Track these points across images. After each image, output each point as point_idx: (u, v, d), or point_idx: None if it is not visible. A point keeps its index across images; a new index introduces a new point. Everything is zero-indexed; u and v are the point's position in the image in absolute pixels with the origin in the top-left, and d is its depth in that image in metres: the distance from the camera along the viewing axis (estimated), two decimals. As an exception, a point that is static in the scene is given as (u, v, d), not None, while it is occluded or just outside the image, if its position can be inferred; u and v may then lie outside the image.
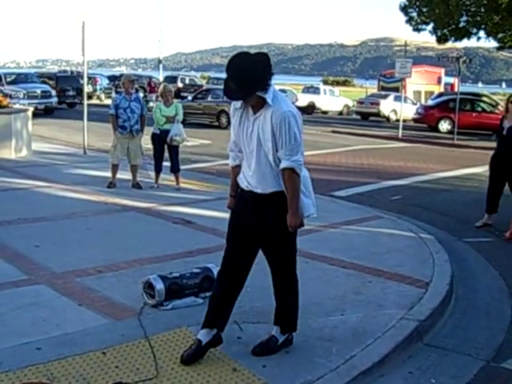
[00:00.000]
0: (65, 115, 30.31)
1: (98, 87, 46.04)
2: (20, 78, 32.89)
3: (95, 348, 4.94)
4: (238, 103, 4.80)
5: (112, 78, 49.29)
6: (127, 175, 12.12)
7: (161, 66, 59.01)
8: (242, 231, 4.98)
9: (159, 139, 11.95)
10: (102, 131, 21.06)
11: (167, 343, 5.10)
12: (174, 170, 12.02)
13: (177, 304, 5.85)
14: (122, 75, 47.01)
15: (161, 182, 12.20)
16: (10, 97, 27.88)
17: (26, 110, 17.35)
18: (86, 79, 18.12)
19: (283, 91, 44.34)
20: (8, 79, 31.95)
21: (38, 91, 30.71)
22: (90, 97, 41.57)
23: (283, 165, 4.63)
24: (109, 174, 12.39)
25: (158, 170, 12.14)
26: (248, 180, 4.86)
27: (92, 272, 6.83)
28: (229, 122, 28.26)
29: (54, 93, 32.29)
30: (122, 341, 5.10)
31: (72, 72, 57.07)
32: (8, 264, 7.05)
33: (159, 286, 5.80)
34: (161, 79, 47.97)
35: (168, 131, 11.73)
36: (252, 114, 4.73)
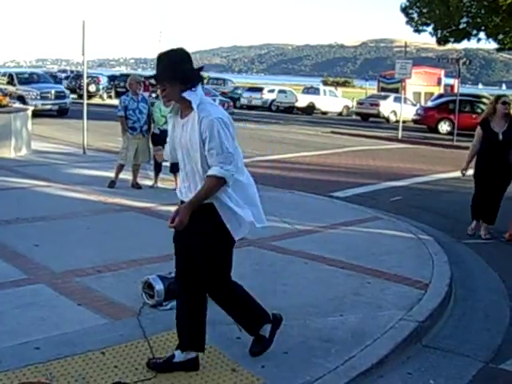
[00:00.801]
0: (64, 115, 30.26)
1: (101, 86, 46.02)
2: (32, 78, 32.17)
3: (94, 348, 4.94)
4: (175, 108, 4.61)
5: (112, 78, 49.27)
6: (127, 175, 12.12)
7: (160, 66, 59.09)
8: (179, 243, 4.89)
9: (159, 139, 11.92)
10: (102, 131, 21.09)
11: (166, 343, 5.11)
12: (174, 170, 12.00)
13: (176, 304, 5.85)
14: (122, 75, 47.20)
15: (160, 182, 12.20)
16: (23, 98, 27.73)
17: (25, 110, 17.34)
18: (85, 79, 18.10)
19: (283, 92, 44.45)
20: (20, 79, 31.20)
21: (52, 91, 29.92)
22: (92, 96, 41.61)
23: (214, 172, 4.32)
24: (108, 174, 12.38)
25: (158, 170, 12.14)
26: (181, 189, 4.70)
27: (91, 272, 6.83)
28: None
29: (68, 93, 31.76)
30: (121, 341, 5.10)
31: (72, 71, 57.03)
32: (7, 263, 7.05)
33: (158, 286, 5.80)
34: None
35: (167, 131, 11.71)
36: (180, 119, 4.56)
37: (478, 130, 9.96)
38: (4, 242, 7.83)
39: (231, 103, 32.85)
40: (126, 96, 12.20)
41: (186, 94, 4.39)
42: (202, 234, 4.55)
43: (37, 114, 25.87)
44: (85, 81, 18.07)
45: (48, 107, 28.89)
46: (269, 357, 4.96)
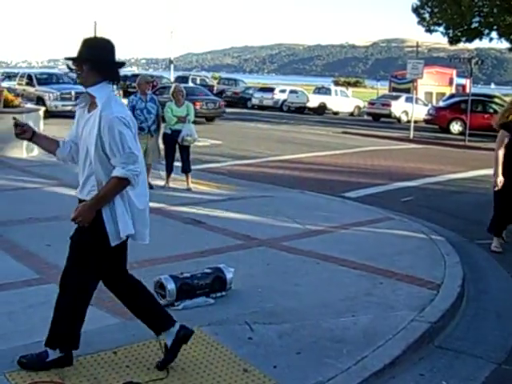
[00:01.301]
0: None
1: (115, 87, 46.05)
2: (51, 79, 31.71)
3: (106, 347, 4.96)
4: (85, 99, 4.46)
5: (123, 78, 49.37)
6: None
7: (172, 66, 59.21)
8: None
9: (170, 139, 11.97)
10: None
11: (178, 343, 5.10)
12: (185, 170, 12.03)
13: (188, 304, 5.86)
14: (133, 75, 47.17)
15: (172, 183, 12.21)
16: (42, 99, 27.67)
17: (37, 110, 17.40)
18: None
19: (294, 92, 44.41)
20: (39, 80, 30.74)
21: (72, 92, 28.74)
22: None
23: (117, 173, 4.20)
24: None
25: (169, 170, 12.16)
26: (80, 187, 4.53)
27: (103, 272, 6.83)
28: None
29: None
30: (133, 340, 5.11)
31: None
32: (19, 263, 7.08)
33: (170, 286, 5.81)
34: (172, 79, 48.06)
35: (179, 131, 11.76)
36: (86, 113, 4.41)
37: (503, 134, 9.02)
38: (16, 242, 7.86)
39: (222, 102, 32.43)
40: (135, 96, 12.22)
41: (93, 89, 4.32)
42: (85, 231, 4.45)
43: (55, 115, 25.91)
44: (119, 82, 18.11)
45: (68, 108, 27.87)
46: (281, 357, 4.96)
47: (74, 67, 4.38)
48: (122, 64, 4.52)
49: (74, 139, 4.60)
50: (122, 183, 4.26)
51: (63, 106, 28.12)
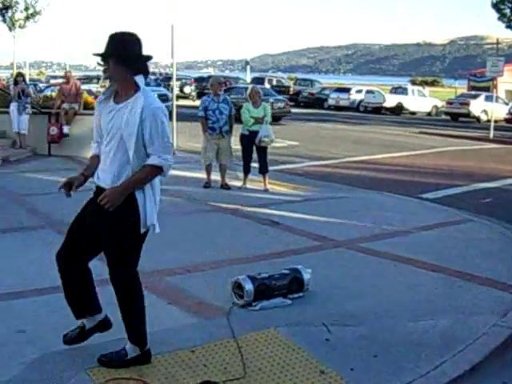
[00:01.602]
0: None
1: (193, 88, 46.62)
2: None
3: (184, 346, 5.00)
4: (107, 92, 4.53)
5: (200, 80, 49.92)
6: (215, 176, 12.23)
7: (248, 67, 59.50)
8: (84, 225, 4.68)
9: (248, 140, 12.02)
10: (191, 132, 21.35)
11: (255, 343, 5.12)
12: (263, 171, 12.06)
13: (265, 305, 5.87)
14: (209, 77, 47.62)
15: (249, 183, 12.26)
16: None
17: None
18: (174, 81, 18.39)
19: (371, 92, 44.00)
20: None
21: (155, 95, 28.84)
22: (185, 97, 42.02)
23: (153, 161, 4.34)
24: (197, 175, 12.57)
25: (247, 171, 12.21)
26: (100, 175, 4.57)
27: (181, 271, 6.94)
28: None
29: (170, 96, 29.60)
30: (211, 340, 5.14)
31: (161, 74, 58.00)
32: (100, 262, 7.20)
33: (248, 286, 5.83)
34: (248, 80, 48.32)
35: (256, 132, 11.79)
36: (113, 103, 4.46)
37: None
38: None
39: (288, 103, 32.14)
40: (208, 97, 12.35)
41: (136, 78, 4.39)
42: (121, 221, 4.46)
43: None
44: (174, 83, 18.38)
45: None
46: (358, 359, 4.92)
47: (101, 62, 4.47)
48: (148, 57, 4.54)
49: (98, 139, 4.66)
50: (156, 172, 4.40)
51: None
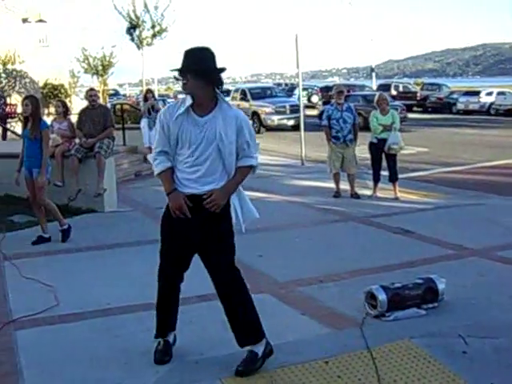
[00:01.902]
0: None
1: (319, 97, 46.72)
2: (265, 93, 31.31)
3: (317, 357, 4.98)
4: (181, 109, 4.65)
5: (325, 89, 49.87)
6: (344, 185, 12.18)
7: (373, 74, 58.96)
8: (182, 238, 4.85)
9: (376, 148, 11.90)
10: (319, 142, 21.37)
11: (389, 355, 5.03)
12: (392, 179, 11.90)
13: (399, 315, 5.78)
14: (335, 85, 47.55)
15: (379, 192, 12.12)
16: (258, 114, 28.02)
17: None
18: (301, 91, 18.46)
19: (502, 94, 42.47)
20: (253, 94, 30.40)
21: (287, 106, 28.53)
22: (312, 107, 42.10)
23: (251, 162, 4.80)
24: (326, 185, 12.56)
25: (376, 179, 12.08)
26: (194, 184, 4.70)
27: (313, 282, 6.93)
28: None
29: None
30: (344, 351, 5.10)
31: (286, 84, 58.47)
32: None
33: (381, 296, 5.75)
34: (374, 87, 47.88)
35: (385, 140, 11.66)
36: (196, 116, 4.65)
37: None
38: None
39: (404, 108, 31.21)
40: (331, 105, 12.34)
41: (218, 95, 4.69)
42: (225, 224, 4.85)
43: (271, 129, 26.44)
44: (300, 92, 18.43)
45: (283, 122, 28.13)
46: (497, 373, 4.73)
47: (180, 77, 4.69)
48: (222, 70, 4.72)
49: (167, 150, 4.77)
50: (252, 171, 4.89)
51: (279, 120, 28.16)
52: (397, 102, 32.74)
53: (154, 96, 18.85)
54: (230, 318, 4.96)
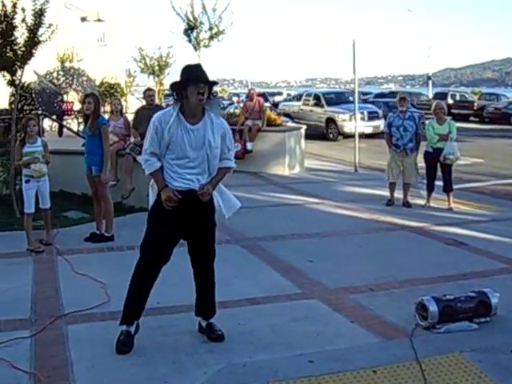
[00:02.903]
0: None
1: None
2: (340, 98, 29.53)
3: (366, 365, 4.96)
4: (172, 118, 5.20)
5: (381, 96, 49.46)
6: (398, 194, 12.05)
7: (430, 82, 58.32)
8: (173, 227, 5.33)
9: (432, 158, 11.73)
10: (373, 149, 21.25)
11: (438, 367, 4.97)
12: (447, 189, 11.73)
13: (450, 328, 5.69)
14: (391, 92, 47.11)
15: (432, 202, 11.96)
16: (333, 120, 26.95)
17: (298, 128, 17.99)
18: (356, 97, 18.35)
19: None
20: (327, 99, 28.74)
21: (365, 112, 27.19)
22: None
23: (231, 164, 5.52)
24: (379, 192, 12.47)
25: (430, 189, 11.91)
26: (187, 182, 5.29)
27: (364, 289, 6.89)
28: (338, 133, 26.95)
29: (380, 113, 28.07)
30: (393, 361, 5.06)
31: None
32: (283, 277, 7.35)
33: (433, 307, 5.68)
34: (430, 96, 47.38)
35: (441, 149, 11.49)
36: (187, 123, 5.23)
37: None
38: (281, 257, 8.18)
39: (423, 114, 30.10)
40: (393, 113, 12.21)
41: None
42: (211, 214, 5.52)
43: (347, 136, 25.83)
44: (356, 99, 18.30)
45: (361, 129, 25.21)
46: None
47: (203, 90, 5.17)
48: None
49: (157, 152, 5.33)
50: (230, 171, 5.59)
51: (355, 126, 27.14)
52: (413, 109, 31.86)
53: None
54: (202, 294, 5.64)
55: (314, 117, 28.20)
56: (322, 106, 28.41)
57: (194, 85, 5.12)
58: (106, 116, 12.00)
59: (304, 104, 30.04)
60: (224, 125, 5.44)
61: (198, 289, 5.63)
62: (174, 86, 5.36)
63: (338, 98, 29.35)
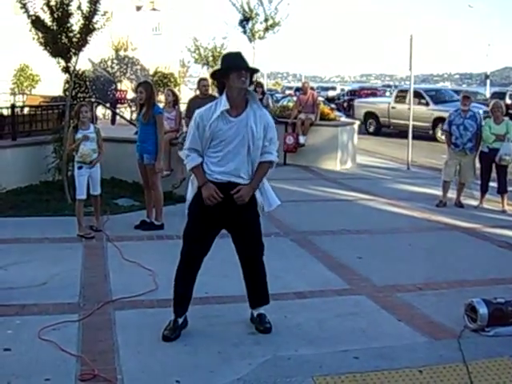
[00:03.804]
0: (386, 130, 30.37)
1: None
2: (444, 96, 27.53)
3: (412, 365, 4.90)
4: (218, 111, 5.12)
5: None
6: (451, 193, 11.88)
7: (488, 81, 57.34)
8: (214, 220, 5.33)
9: (487, 158, 11.53)
10: (426, 147, 20.99)
11: (486, 371, 4.88)
12: (501, 190, 11.51)
13: (500, 331, 5.59)
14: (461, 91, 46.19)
15: (485, 203, 11.75)
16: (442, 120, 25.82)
17: (352, 123, 17.88)
18: (411, 94, 18.11)
19: None
20: (433, 98, 26.34)
21: (480, 111, 25.22)
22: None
23: (271, 158, 5.36)
24: (432, 191, 12.32)
25: (484, 189, 11.71)
26: (226, 175, 5.23)
27: (412, 288, 6.83)
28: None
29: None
30: (440, 361, 4.99)
31: (396, 86, 57.54)
32: (331, 272, 7.32)
33: (482, 310, 5.59)
34: (487, 95, 46.59)
35: (497, 150, 11.28)
36: (229, 116, 5.15)
37: None
38: (330, 252, 8.16)
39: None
40: (455, 111, 12.01)
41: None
42: (253, 206, 5.43)
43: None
44: (411, 96, 18.07)
45: None
46: None
47: (244, 77, 5.11)
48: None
49: (198, 148, 5.30)
50: (272, 166, 5.44)
51: None
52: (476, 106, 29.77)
53: (263, 90, 18.89)
54: (251, 283, 5.63)
55: (415, 116, 23.15)
56: (426, 105, 25.84)
57: (235, 72, 5.07)
58: (161, 105, 12.07)
59: (397, 101, 27.44)
60: (266, 116, 5.35)
61: (246, 279, 5.63)
62: (214, 74, 5.33)
63: (443, 96, 27.39)
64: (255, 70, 5.33)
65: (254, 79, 5.35)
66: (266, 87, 33.33)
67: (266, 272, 5.63)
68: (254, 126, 5.16)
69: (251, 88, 5.37)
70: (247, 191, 5.24)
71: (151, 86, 9.19)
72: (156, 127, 8.84)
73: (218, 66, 5.39)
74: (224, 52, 37.89)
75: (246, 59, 5.20)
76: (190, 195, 5.47)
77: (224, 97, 5.17)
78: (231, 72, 5.08)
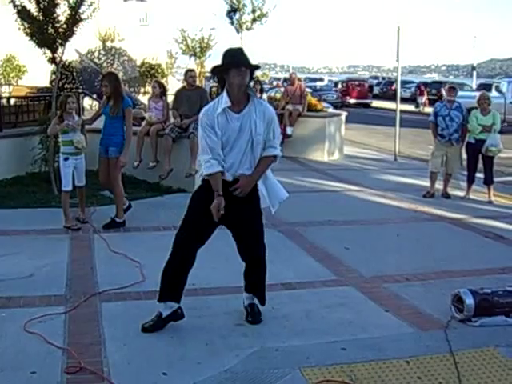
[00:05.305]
0: (373, 121, 30.47)
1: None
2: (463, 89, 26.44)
3: (399, 356, 4.91)
4: (219, 109, 5.07)
5: (425, 84, 48.78)
6: (438, 184, 11.91)
7: (474, 73, 57.52)
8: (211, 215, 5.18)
9: (474, 149, 11.57)
10: (413, 138, 21.02)
11: (472, 361, 4.91)
12: (487, 181, 11.56)
13: (486, 321, 5.62)
14: (434, 82, 46.43)
15: (472, 194, 11.80)
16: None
17: (339, 115, 17.88)
18: (399, 85, 18.11)
19: None
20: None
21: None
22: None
23: (275, 152, 5.30)
24: (419, 182, 12.35)
25: (471, 180, 11.76)
26: (232, 172, 5.18)
27: (400, 279, 6.85)
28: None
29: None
30: (427, 352, 5.01)
31: (383, 78, 57.64)
32: (319, 263, 7.33)
33: (469, 300, 5.61)
34: (474, 87, 46.68)
35: (483, 141, 11.32)
36: (232, 112, 5.11)
37: None
38: (317, 243, 8.16)
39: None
40: (440, 102, 12.06)
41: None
42: (256, 203, 5.39)
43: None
44: (398, 87, 18.06)
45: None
46: None
47: (244, 74, 5.06)
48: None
49: (220, 153, 5.17)
50: (275, 160, 5.37)
51: None
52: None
53: (262, 88, 18.69)
54: (251, 280, 5.63)
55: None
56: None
57: (235, 69, 5.01)
58: (147, 97, 11.97)
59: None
60: (269, 110, 5.26)
61: (248, 273, 5.64)
62: (215, 70, 5.28)
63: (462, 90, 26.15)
64: (255, 67, 5.26)
65: (254, 76, 5.28)
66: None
67: (266, 272, 5.63)
68: (257, 120, 5.13)
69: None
70: (247, 181, 5.19)
71: (116, 77, 8.88)
72: (124, 121, 8.57)
73: (212, 61, 5.36)
74: (211, 43, 37.93)
75: (247, 56, 5.13)
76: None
77: (225, 94, 5.12)
78: (231, 69, 5.03)
